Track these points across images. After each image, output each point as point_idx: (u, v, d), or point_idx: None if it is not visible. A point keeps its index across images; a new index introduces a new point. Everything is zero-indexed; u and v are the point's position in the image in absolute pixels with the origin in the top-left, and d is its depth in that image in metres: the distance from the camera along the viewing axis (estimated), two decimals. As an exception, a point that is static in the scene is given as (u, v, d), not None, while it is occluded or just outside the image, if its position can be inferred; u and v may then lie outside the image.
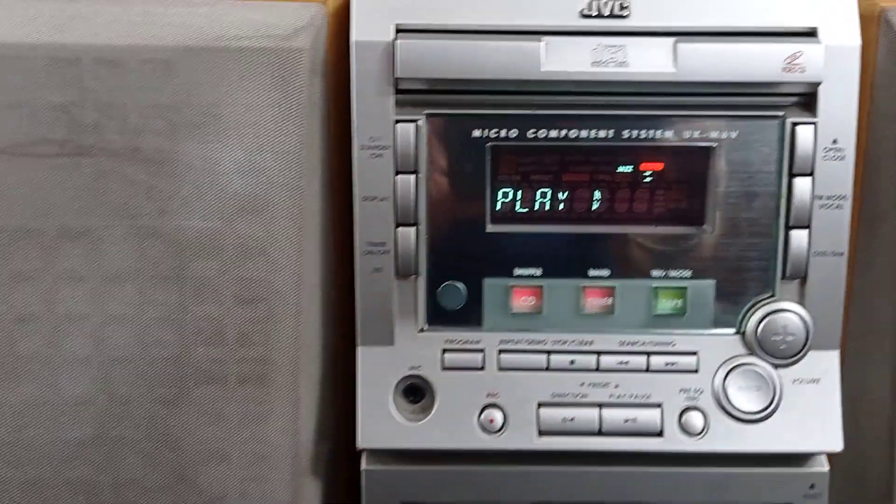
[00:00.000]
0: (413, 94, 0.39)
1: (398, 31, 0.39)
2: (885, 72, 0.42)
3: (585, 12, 0.39)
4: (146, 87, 0.39)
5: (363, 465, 0.42)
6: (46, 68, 0.39)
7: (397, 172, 0.39)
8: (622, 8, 0.38)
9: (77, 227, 0.40)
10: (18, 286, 0.40)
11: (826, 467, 0.41)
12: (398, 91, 0.39)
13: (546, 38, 0.38)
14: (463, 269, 0.40)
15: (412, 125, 0.39)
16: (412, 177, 0.39)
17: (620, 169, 0.40)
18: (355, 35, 0.39)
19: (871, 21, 0.42)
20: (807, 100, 0.39)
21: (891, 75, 0.42)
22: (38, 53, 0.39)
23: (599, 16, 0.39)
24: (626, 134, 0.39)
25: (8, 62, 0.38)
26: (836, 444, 0.39)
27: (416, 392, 0.41)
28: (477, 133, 0.39)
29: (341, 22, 0.41)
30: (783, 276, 0.40)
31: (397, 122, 0.39)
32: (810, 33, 0.39)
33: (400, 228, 0.40)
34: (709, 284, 0.40)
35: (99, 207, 0.40)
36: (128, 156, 0.40)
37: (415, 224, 0.40)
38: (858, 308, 0.45)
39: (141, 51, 0.39)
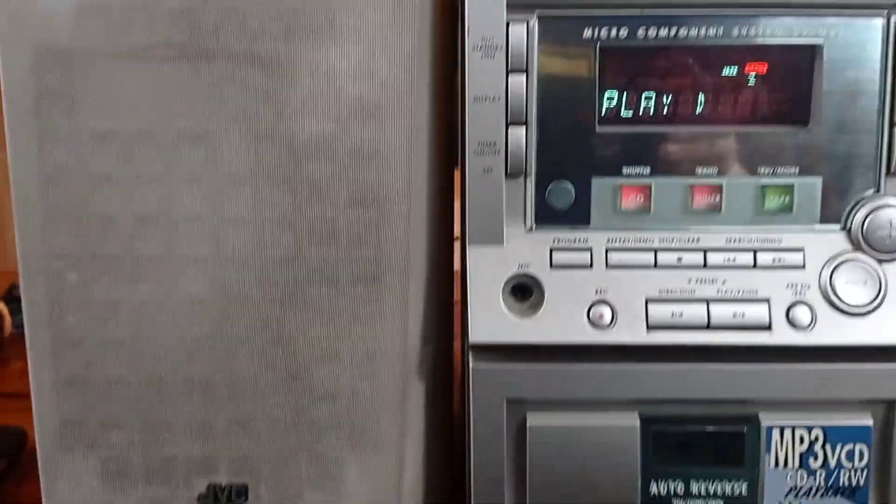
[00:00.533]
0: (524, -5, 0.45)
1: (509, -68, 0.44)
2: None
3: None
4: None
5: (472, 365, 0.48)
6: (168, -27, 0.45)
7: (509, 72, 0.45)
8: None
9: (196, 130, 0.47)
10: (139, 188, 0.48)
11: (930, 363, 0.47)
12: (510, -9, 0.45)
13: None
14: (572, 168, 0.47)
15: (524, 25, 0.45)
16: (523, 77, 0.46)
17: (725, 72, 0.45)
18: (468, -62, 0.44)
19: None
20: (914, -5, 0.44)
21: None
22: (161, -41, 0.44)
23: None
24: (734, 32, 0.45)
25: None
26: None
27: (524, 291, 0.47)
28: (587, 33, 0.45)
29: (452, -74, 0.46)
30: (888, 172, 0.46)
31: (509, 22, 0.45)
32: None
33: (511, 128, 0.46)
34: (815, 181, 0.46)
35: (217, 111, 0.47)
36: (246, 59, 0.46)
37: (525, 124, 0.45)
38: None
39: (260, -44, 0.45)
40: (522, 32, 0.48)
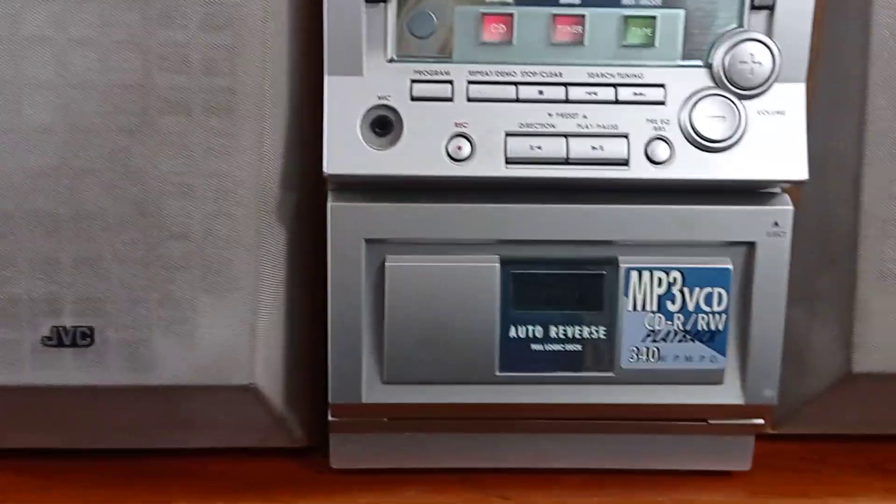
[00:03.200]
0: None
1: None
2: None
3: None
4: None
5: (330, 203, 0.47)
6: None
7: None
8: None
9: (38, -57, 0.44)
10: None
11: (790, 206, 0.48)
12: None
13: None
14: (433, -5, 0.45)
15: None
16: None
17: None
18: None
19: None
20: None
21: None
22: None
23: None
24: None
25: None
26: (801, 173, 0.46)
27: (384, 125, 0.46)
28: None
29: None
30: (752, 6, 0.46)
31: None
32: None
33: (369, -52, 0.44)
34: (678, 14, 0.46)
35: (61, -77, 0.44)
36: None
37: None
38: (826, 59, 0.50)
39: None
40: None
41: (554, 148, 0.48)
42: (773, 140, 0.48)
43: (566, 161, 0.48)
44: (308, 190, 0.53)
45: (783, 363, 0.57)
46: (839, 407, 0.57)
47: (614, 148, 0.48)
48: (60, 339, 0.50)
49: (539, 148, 0.48)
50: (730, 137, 0.48)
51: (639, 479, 0.57)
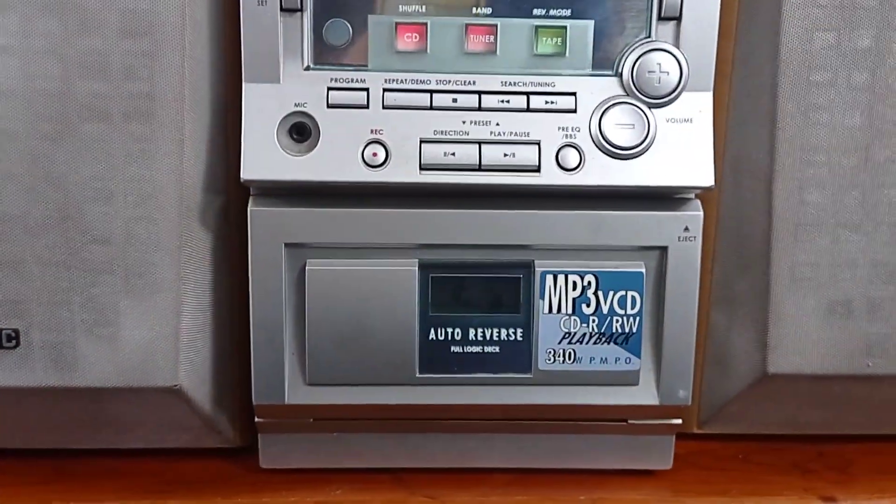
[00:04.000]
0: None
1: None
2: None
3: None
4: None
5: (250, 207, 0.48)
6: None
7: None
8: None
9: (-42, -50, 0.45)
10: None
11: (700, 211, 0.49)
12: None
13: None
14: (348, 4, 0.47)
15: None
16: None
17: None
18: None
19: None
20: None
21: None
22: None
23: None
24: None
25: None
26: (708, 179, 0.47)
27: (301, 130, 0.47)
28: None
29: None
30: (658, 17, 0.47)
31: None
32: None
33: (285, -41, 0.45)
34: (588, 24, 0.47)
35: (-21, -69, 0.45)
36: None
37: None
38: (740, 74, 0.51)
39: None
40: None
41: (467, 154, 0.49)
42: (680, 147, 0.49)
43: (479, 167, 0.49)
44: (235, 193, 0.54)
45: (707, 364, 0.59)
46: (759, 407, 0.58)
47: (526, 155, 0.49)
48: (-15, 341, 0.51)
49: (453, 154, 0.49)
50: (639, 145, 0.49)
51: (563, 478, 0.58)
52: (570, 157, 0.49)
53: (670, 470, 0.58)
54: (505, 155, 0.49)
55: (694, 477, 0.59)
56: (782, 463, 0.60)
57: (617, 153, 0.49)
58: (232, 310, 0.55)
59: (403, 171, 0.49)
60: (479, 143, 0.49)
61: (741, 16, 0.53)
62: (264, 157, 0.48)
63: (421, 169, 0.49)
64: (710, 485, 0.59)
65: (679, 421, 0.55)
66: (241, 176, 0.48)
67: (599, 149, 0.49)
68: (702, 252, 0.53)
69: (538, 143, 0.49)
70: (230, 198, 0.53)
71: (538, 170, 0.49)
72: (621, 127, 0.49)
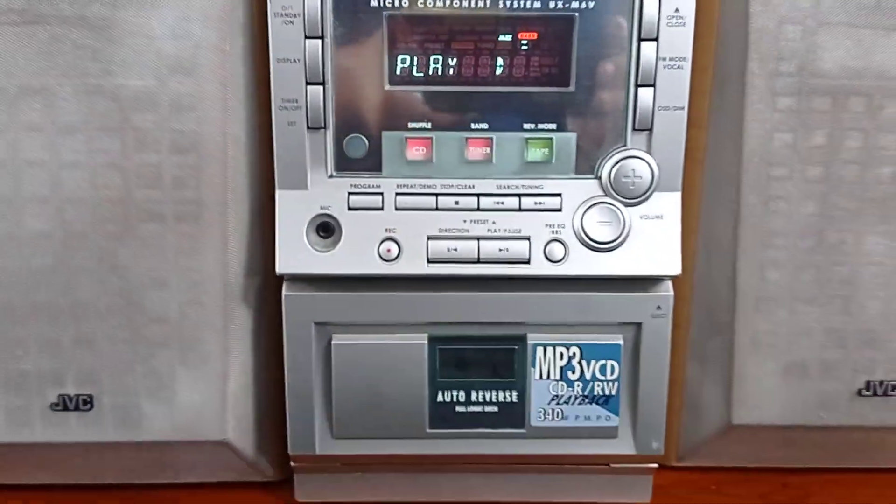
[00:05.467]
0: (319, -32, 0.52)
1: (305, -86, 0.51)
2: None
3: None
4: None
5: (284, 292, 0.56)
6: (4, -52, 0.51)
7: (306, 37, 0.52)
8: None
9: (35, 85, 0.54)
10: None
11: (670, 292, 0.56)
12: (306, -36, 0.51)
13: None
14: (365, 123, 0.54)
15: (319, -4, 0.52)
16: (319, 41, 0.52)
17: (501, 36, 0.53)
18: (268, -82, 0.51)
19: None
20: (653, -25, 0.52)
21: (739, -49, 0.54)
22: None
23: None
24: (500, 3, 0.51)
25: None
26: (675, 269, 0.55)
27: (326, 229, 0.55)
28: (375, 3, 0.52)
29: None
30: (633, 128, 0.54)
31: (305, -7, 0.52)
32: None
33: (310, 87, 0.53)
34: (571, 136, 0.54)
35: (53, 68, 0.54)
36: (76, 23, 0.53)
37: (322, 83, 0.52)
38: (710, 163, 0.58)
39: (84, -70, 0.51)
40: (317, 2, 0.55)
41: (468, 249, 0.56)
42: (652, 241, 0.56)
43: (478, 260, 0.56)
44: (270, 272, 0.62)
45: (684, 408, 0.66)
46: (728, 446, 0.66)
47: (518, 249, 0.56)
48: (65, 404, 0.60)
49: (455, 250, 0.56)
50: (616, 239, 0.56)
51: (556, 509, 0.67)
52: (556, 251, 0.56)
53: (649, 503, 0.66)
54: (500, 250, 0.56)
55: (671, 508, 0.68)
56: (751, 494, 0.68)
57: (597, 247, 0.56)
58: (270, 372, 0.63)
59: (414, 264, 0.56)
60: (478, 239, 0.56)
61: (711, 113, 0.59)
62: (296, 252, 0.56)
63: (428, 262, 0.56)
64: (685, 514, 0.67)
65: (655, 465, 0.63)
66: (277, 270, 0.56)
67: (581, 243, 0.56)
68: (679, 314, 0.61)
69: (528, 239, 0.56)
70: (266, 276, 0.61)
71: (528, 262, 0.56)
72: (600, 224, 0.56)
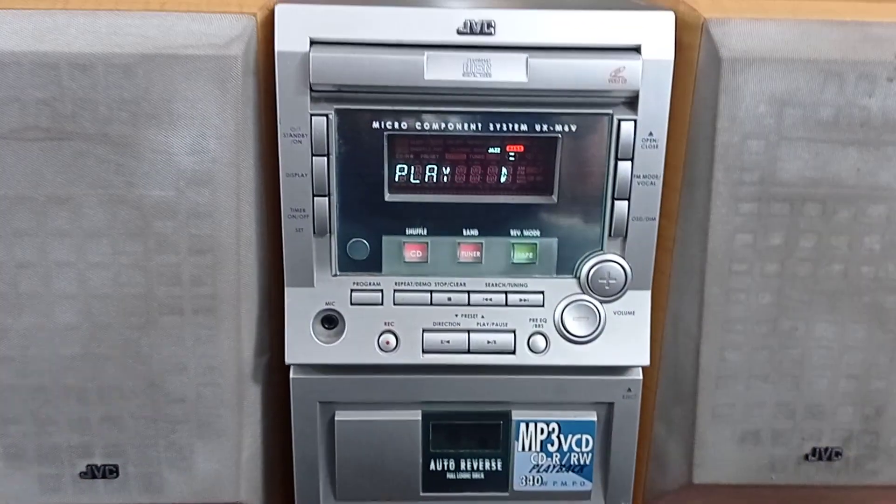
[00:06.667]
0: (324, 93, 0.58)
1: (312, 42, 0.55)
2: (704, 70, 0.60)
3: (461, 30, 0.55)
4: (112, 85, 0.57)
5: (292, 375, 0.62)
6: (32, 71, 0.55)
7: (313, 155, 0.57)
8: (489, 27, 0.55)
9: (62, 194, 0.59)
10: (18, 240, 0.59)
11: (640, 377, 0.63)
12: (312, 90, 0.57)
13: (428, 52, 0.55)
14: (366, 229, 0.59)
15: (324, 118, 0.57)
16: (324, 158, 0.57)
17: (491, 150, 0.58)
18: (278, 46, 0.56)
19: (695, 29, 0.59)
20: (630, 101, 0.57)
21: (708, 73, 0.60)
22: (25, 59, 0.54)
23: (471, 32, 0.55)
24: (491, 127, 0.57)
25: (1, 68, 0.54)
26: (644, 359, 0.61)
27: (331, 322, 0.61)
28: (376, 125, 0.57)
29: (269, 30, 0.57)
30: (609, 235, 0.59)
31: (312, 115, 0.57)
32: (636, 49, 0.56)
33: (316, 198, 0.58)
34: (553, 241, 0.59)
35: (79, 180, 0.58)
36: (100, 140, 0.58)
37: (327, 195, 0.58)
38: (679, 253, 0.64)
39: (107, 57, 0.55)
40: (323, 124, 0.58)
41: (459, 341, 0.62)
42: (625, 334, 0.63)
43: (468, 350, 0.62)
44: (276, 352, 0.67)
45: (651, 459, 0.73)
46: (689, 499, 0.73)
47: (504, 340, 0.62)
48: (93, 473, 0.66)
49: (448, 342, 0.62)
50: (592, 333, 0.63)
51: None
52: (539, 342, 0.62)
53: (618, 547, 0.74)
54: (488, 342, 0.62)
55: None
56: (708, 536, 0.76)
57: (575, 339, 0.62)
58: (276, 437, 0.69)
59: (410, 354, 0.62)
60: (469, 331, 0.62)
61: (681, 209, 0.65)
62: (303, 343, 0.62)
63: (423, 352, 0.62)
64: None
65: (623, 519, 0.70)
66: (286, 360, 0.62)
67: (561, 336, 0.62)
68: (649, 379, 0.67)
69: (514, 332, 0.62)
70: (273, 355, 0.67)
71: (514, 352, 0.62)
72: (578, 319, 0.62)
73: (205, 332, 0.63)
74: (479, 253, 0.62)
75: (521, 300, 0.63)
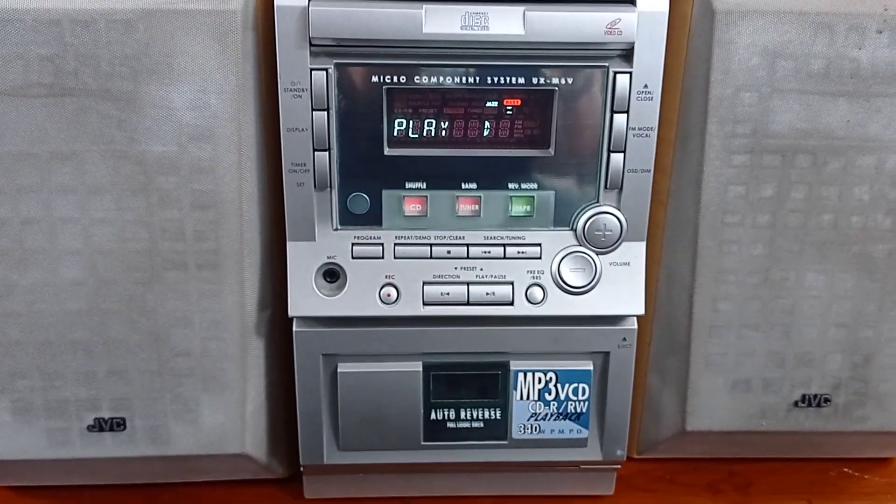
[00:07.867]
0: (324, 48, 0.58)
1: (311, -3, 0.55)
2: (698, 22, 0.61)
3: (458, -17, 0.55)
4: (113, 41, 0.57)
5: (295, 328, 0.63)
6: (34, 28, 0.55)
7: (313, 109, 0.57)
8: (486, -19, 0.55)
9: (65, 150, 0.59)
10: (23, 196, 0.59)
11: (634, 326, 0.64)
12: (312, 45, 0.57)
13: (426, 5, 0.55)
14: (366, 183, 0.60)
15: (324, 72, 0.57)
16: (324, 113, 0.58)
17: (488, 104, 0.58)
18: (277, 0, 0.55)
19: (689, -19, 0.59)
20: (625, 54, 0.58)
21: (702, 26, 0.60)
22: (28, 16, 0.55)
23: (469, -14, 0.56)
24: (488, 80, 0.58)
25: (4, 24, 0.54)
26: (639, 309, 0.62)
27: (332, 275, 0.61)
28: (375, 79, 0.57)
29: (268, -14, 0.57)
30: (605, 187, 0.60)
31: (312, 70, 0.57)
32: (631, 1, 0.56)
33: (317, 153, 0.59)
34: (550, 193, 0.60)
35: (81, 136, 0.58)
36: (102, 96, 0.58)
37: (327, 149, 0.58)
38: (672, 206, 0.65)
39: (108, 13, 0.55)
40: (323, 78, 0.58)
41: (458, 293, 0.63)
42: (620, 284, 0.63)
43: (468, 302, 0.63)
44: (278, 306, 0.68)
45: (645, 410, 0.75)
46: (682, 444, 0.75)
47: (503, 292, 0.63)
48: (101, 426, 0.66)
49: (447, 294, 0.63)
50: (588, 284, 0.63)
51: (532, 500, 0.75)
52: (536, 294, 0.63)
53: (612, 495, 0.75)
54: (487, 293, 0.63)
55: (630, 498, 0.76)
56: (700, 483, 0.78)
57: (571, 290, 0.63)
58: (280, 390, 0.70)
59: (410, 307, 0.63)
60: (468, 284, 0.63)
61: (675, 162, 0.65)
62: (305, 296, 0.63)
63: (424, 304, 0.63)
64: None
65: (618, 466, 0.71)
66: (290, 312, 0.62)
67: (558, 287, 0.63)
68: (643, 331, 0.68)
69: (512, 284, 0.63)
70: (275, 309, 0.68)
71: (512, 304, 0.63)
72: (575, 270, 0.63)
73: (208, 286, 0.64)
74: (477, 206, 0.63)
75: (518, 252, 0.63)
